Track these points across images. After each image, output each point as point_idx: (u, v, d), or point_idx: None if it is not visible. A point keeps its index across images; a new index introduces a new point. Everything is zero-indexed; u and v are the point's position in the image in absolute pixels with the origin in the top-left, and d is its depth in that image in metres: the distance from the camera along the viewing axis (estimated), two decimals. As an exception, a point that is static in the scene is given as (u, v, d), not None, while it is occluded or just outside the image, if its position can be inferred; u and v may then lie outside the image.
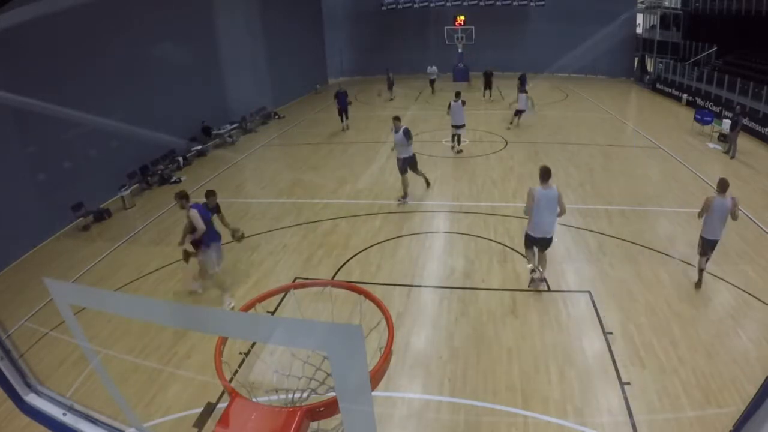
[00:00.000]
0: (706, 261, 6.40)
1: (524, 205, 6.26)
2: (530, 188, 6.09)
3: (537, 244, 6.33)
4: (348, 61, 28.18)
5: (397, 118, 9.34)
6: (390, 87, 21.75)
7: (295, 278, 7.11)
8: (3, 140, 8.15)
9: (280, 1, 20.40)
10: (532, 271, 6.61)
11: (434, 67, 22.42)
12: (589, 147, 13.12)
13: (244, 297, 6.52)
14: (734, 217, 6.00)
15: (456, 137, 12.69)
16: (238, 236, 7.05)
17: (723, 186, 6.00)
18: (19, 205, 8.49)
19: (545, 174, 5.98)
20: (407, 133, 9.20)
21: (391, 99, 21.34)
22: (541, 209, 6.01)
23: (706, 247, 6.26)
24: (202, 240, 6.24)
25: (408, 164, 9.56)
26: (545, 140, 13.89)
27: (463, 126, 12.43)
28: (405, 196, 9.77)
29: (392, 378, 4.94)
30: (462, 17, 26.25)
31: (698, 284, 6.46)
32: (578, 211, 8.99)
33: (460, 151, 12.83)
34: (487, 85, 20.38)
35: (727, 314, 5.89)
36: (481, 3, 26.63)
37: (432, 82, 22.62)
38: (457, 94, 12.24)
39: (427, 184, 10.29)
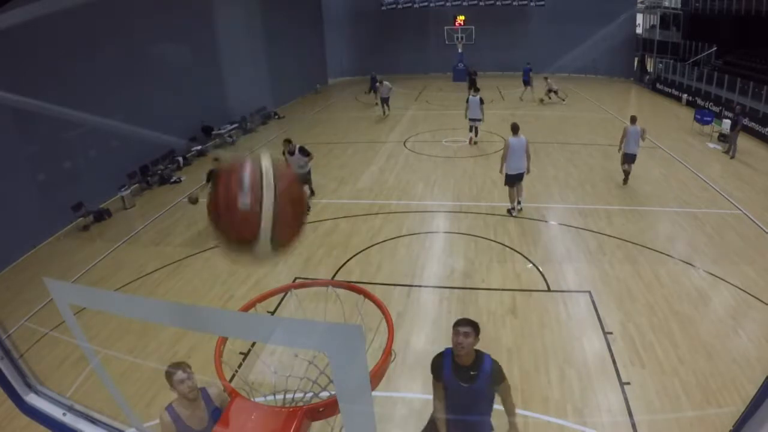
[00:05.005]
0: (629, 167, 9.88)
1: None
2: (506, 139, 8.58)
3: (516, 179, 8.52)
4: (348, 61, 28.18)
5: (288, 141, 9.06)
6: (373, 90, 20.27)
7: (295, 278, 7.10)
8: (3, 140, 8.15)
9: (280, 1, 20.40)
10: (512, 210, 8.82)
11: (387, 83, 18.00)
12: (589, 147, 13.12)
13: (244, 297, 6.52)
14: (643, 139, 9.75)
15: (474, 129, 13.33)
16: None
17: (633, 119, 9.76)
18: (19, 205, 8.49)
19: (515, 128, 8.41)
20: (303, 151, 9.08)
21: (377, 104, 20.07)
22: (516, 153, 8.30)
23: (628, 159, 9.80)
24: None
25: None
26: (545, 140, 13.88)
27: (479, 120, 13.05)
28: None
29: (392, 378, 4.94)
30: (462, 17, 26.26)
31: (625, 181, 10.03)
32: (578, 211, 8.99)
33: (475, 143, 13.35)
34: (472, 84, 20.41)
35: (727, 314, 5.89)
36: (481, 3, 26.63)
37: (384, 101, 17.84)
38: (476, 90, 13.52)
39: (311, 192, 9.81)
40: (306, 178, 9.24)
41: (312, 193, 9.80)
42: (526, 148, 8.35)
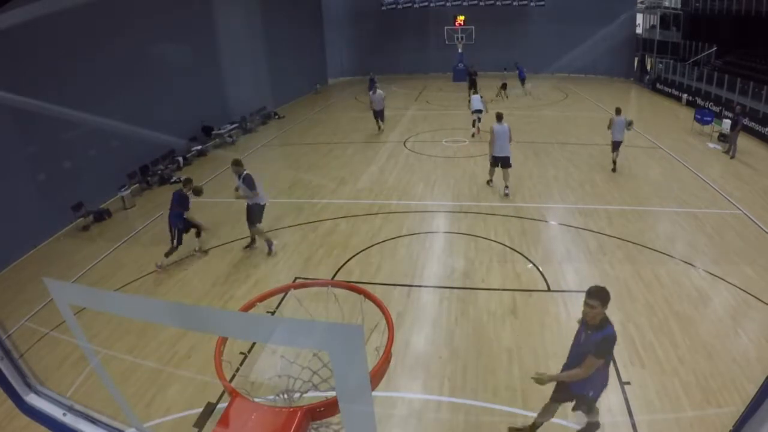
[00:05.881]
0: (617, 155, 11.05)
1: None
2: (491, 126, 9.77)
3: (501, 162, 9.74)
4: (348, 61, 28.19)
5: (235, 164, 7.58)
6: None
7: (295, 278, 7.11)
8: (3, 140, 8.14)
9: (280, 1, 20.40)
10: (490, 181, 10.37)
11: (380, 91, 15.52)
12: (589, 147, 13.12)
13: (244, 297, 6.52)
14: (628, 128, 10.89)
15: (474, 121, 14.33)
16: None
17: (618, 111, 10.91)
18: (19, 205, 8.49)
19: (499, 116, 9.74)
20: (246, 181, 7.44)
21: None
22: (501, 138, 9.54)
23: (615, 147, 10.97)
24: None
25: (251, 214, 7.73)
26: (545, 140, 13.89)
27: (481, 111, 14.12)
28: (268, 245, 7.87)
29: (392, 378, 4.94)
30: (462, 17, 26.27)
31: (614, 170, 11.12)
32: (578, 211, 8.99)
33: (475, 134, 14.27)
34: (472, 84, 20.32)
35: (727, 314, 5.89)
36: (481, 3, 26.64)
37: (378, 114, 15.42)
38: (476, 91, 15.68)
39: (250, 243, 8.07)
40: (252, 215, 7.69)
41: (253, 240, 8.09)
42: (509, 134, 9.60)
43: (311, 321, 0.91)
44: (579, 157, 12.28)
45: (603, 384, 3.71)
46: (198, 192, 7.66)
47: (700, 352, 5.20)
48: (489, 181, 10.41)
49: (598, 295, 3.36)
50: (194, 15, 14.31)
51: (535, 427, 4.20)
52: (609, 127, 10.98)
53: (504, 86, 20.24)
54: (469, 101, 14.70)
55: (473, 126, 14.41)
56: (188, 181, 7.74)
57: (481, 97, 14.25)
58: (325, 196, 10.28)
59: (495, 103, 19.38)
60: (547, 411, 4.11)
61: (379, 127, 15.85)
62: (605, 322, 3.42)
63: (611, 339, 3.41)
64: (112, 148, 11.01)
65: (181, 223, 7.52)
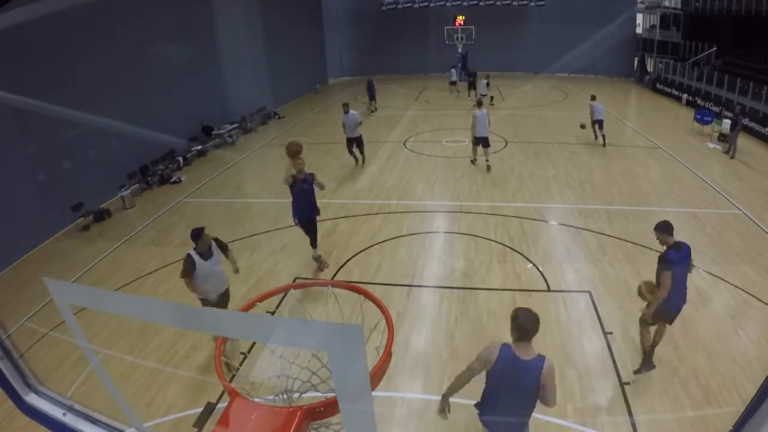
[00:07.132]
0: (603, 131, 13.02)
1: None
2: (473, 112, 11.31)
3: (482, 142, 11.25)
4: (348, 61, 28.19)
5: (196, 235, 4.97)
6: (372, 97, 18.66)
7: (295, 278, 7.11)
8: (3, 140, 8.14)
9: (280, 2, 20.40)
10: (474, 160, 11.88)
11: (355, 112, 11.68)
12: (589, 147, 13.12)
13: (244, 297, 6.52)
14: (605, 112, 13.08)
15: (481, 97, 16.46)
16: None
17: (594, 97, 13.14)
18: (19, 205, 8.49)
19: (480, 103, 11.86)
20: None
21: (374, 111, 18.74)
22: (482, 121, 11.07)
23: (599, 125, 12.98)
24: None
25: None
26: (545, 140, 13.89)
27: (485, 95, 17.87)
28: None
29: (392, 378, 4.94)
30: (462, 17, 26.28)
31: (604, 144, 13.04)
32: (578, 211, 8.99)
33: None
34: (471, 85, 20.57)
35: (727, 314, 5.89)
36: (481, 3, 26.64)
37: (354, 143, 11.76)
38: (486, 76, 19.22)
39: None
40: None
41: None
42: (488, 118, 11.23)
43: (311, 321, 0.91)
44: (579, 157, 12.28)
45: (681, 299, 4.47)
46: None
47: (700, 352, 5.20)
48: (473, 161, 11.80)
49: (655, 227, 4.43)
50: (194, 15, 14.30)
51: (652, 349, 4.82)
52: (591, 112, 13.10)
53: (454, 84, 21.78)
54: (475, 86, 19.40)
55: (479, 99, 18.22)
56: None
57: (488, 84, 18.52)
58: (325, 196, 10.25)
59: (495, 103, 19.43)
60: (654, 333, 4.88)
61: (357, 160, 12.08)
62: (671, 248, 4.32)
63: (664, 256, 4.27)
64: (112, 148, 11.01)
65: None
